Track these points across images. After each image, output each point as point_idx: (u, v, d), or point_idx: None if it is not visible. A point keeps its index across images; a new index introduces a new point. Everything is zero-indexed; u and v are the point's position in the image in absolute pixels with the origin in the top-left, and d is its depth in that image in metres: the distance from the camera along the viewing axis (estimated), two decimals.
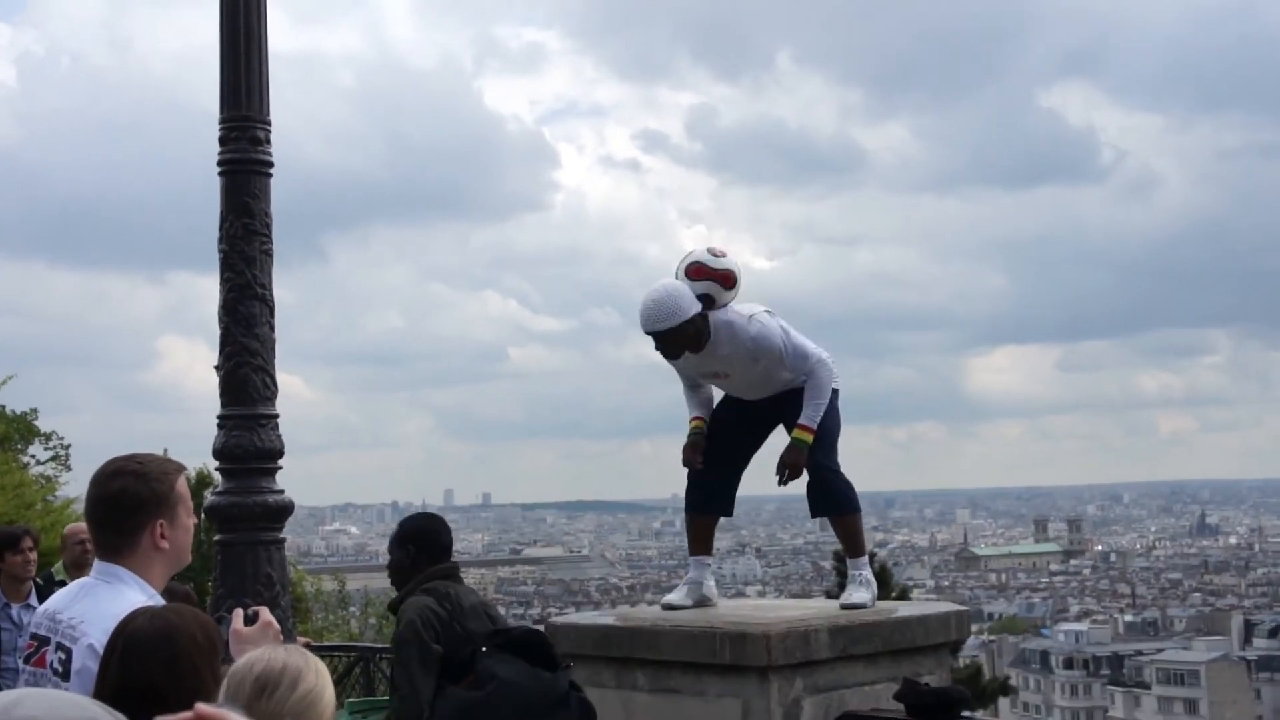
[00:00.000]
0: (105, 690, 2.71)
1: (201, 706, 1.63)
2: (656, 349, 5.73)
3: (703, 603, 5.95)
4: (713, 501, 6.13)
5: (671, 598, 5.99)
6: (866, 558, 6.15)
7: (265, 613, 3.27)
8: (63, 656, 3.19)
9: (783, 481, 5.83)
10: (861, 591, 5.85)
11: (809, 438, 5.74)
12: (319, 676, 2.41)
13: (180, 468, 3.46)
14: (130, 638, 2.75)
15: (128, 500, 3.32)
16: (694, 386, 6.12)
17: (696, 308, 5.64)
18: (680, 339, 5.68)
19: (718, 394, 6.13)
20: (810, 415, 5.76)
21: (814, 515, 6.12)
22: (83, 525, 8.17)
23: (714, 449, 6.00)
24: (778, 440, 5.98)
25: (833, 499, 5.93)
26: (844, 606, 5.75)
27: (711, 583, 6.11)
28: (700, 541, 6.18)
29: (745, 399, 6.01)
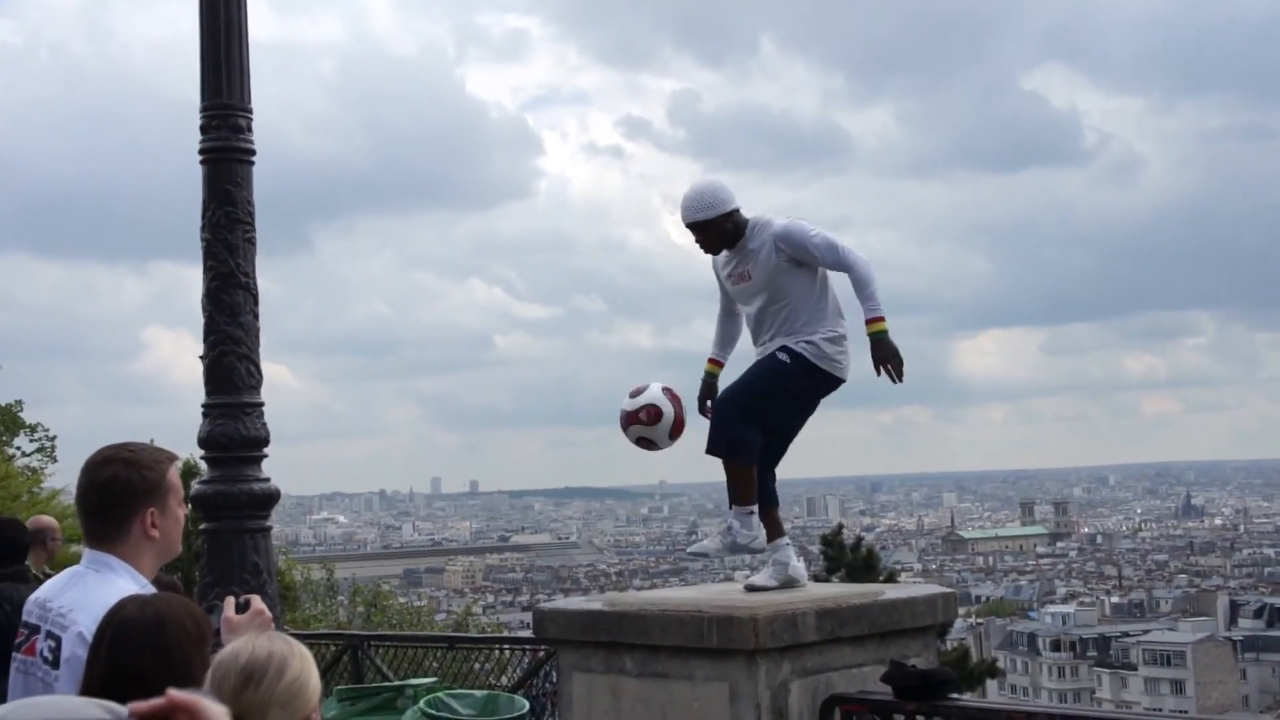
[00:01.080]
0: (94, 678, 2.71)
1: (174, 692, 1.62)
2: (696, 242, 5.81)
3: (790, 584, 5.77)
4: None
5: (756, 580, 5.78)
6: (786, 540, 5.86)
7: (257, 600, 3.27)
8: (52, 645, 3.19)
9: (896, 377, 5.61)
10: (766, 573, 5.76)
11: (884, 325, 5.57)
12: (304, 663, 2.41)
13: (172, 457, 3.45)
14: (119, 625, 2.74)
15: (118, 488, 3.31)
16: (728, 313, 6.06)
17: (736, 203, 5.70)
18: (719, 233, 5.73)
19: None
20: (871, 306, 5.59)
21: (708, 452, 5.80)
22: (45, 518, 8.16)
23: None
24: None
25: (722, 441, 5.71)
26: (748, 588, 5.71)
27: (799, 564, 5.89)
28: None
29: (752, 310, 5.82)
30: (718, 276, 6.01)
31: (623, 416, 5.82)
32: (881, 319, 5.60)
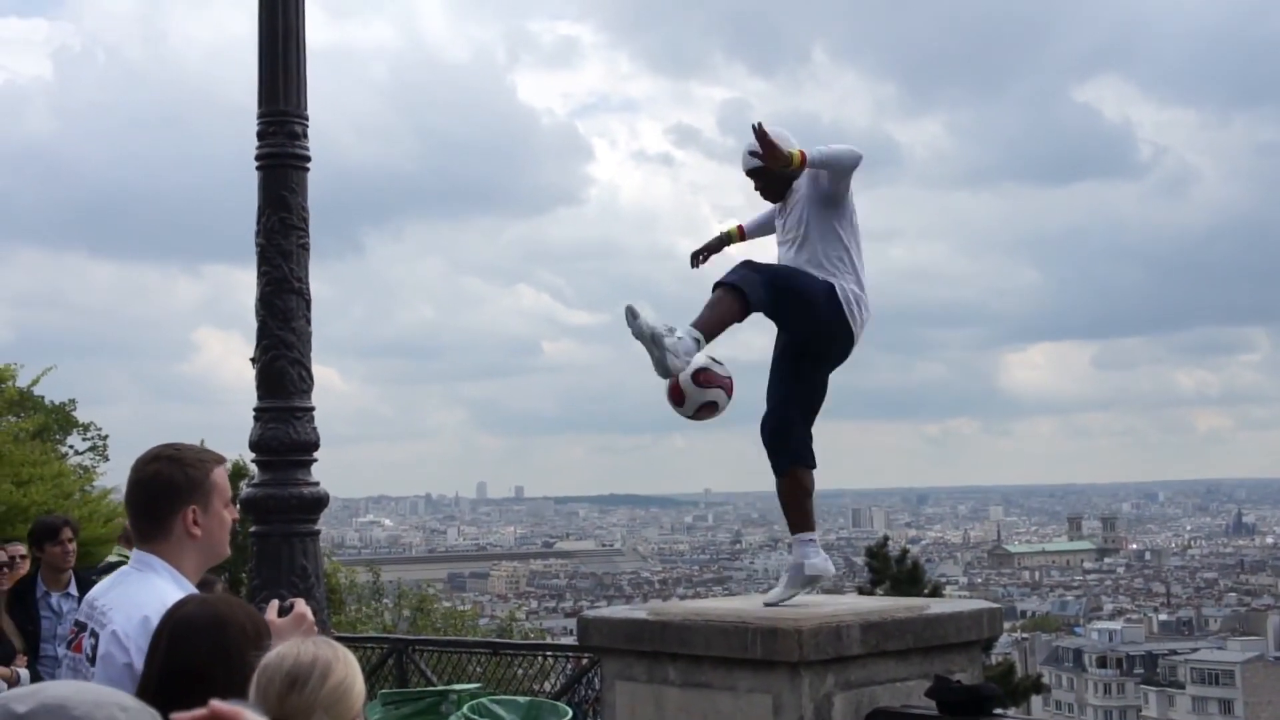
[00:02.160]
0: (152, 673, 2.76)
1: (216, 703, 1.65)
2: (757, 189, 5.84)
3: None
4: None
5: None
6: (814, 535, 5.83)
7: (300, 604, 3.29)
8: (93, 642, 3.25)
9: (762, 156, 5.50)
10: (782, 583, 5.78)
11: (799, 155, 5.44)
12: (349, 667, 2.42)
13: (219, 459, 3.49)
14: (180, 622, 2.79)
15: (160, 484, 3.36)
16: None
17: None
18: (780, 177, 5.73)
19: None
20: (817, 150, 5.50)
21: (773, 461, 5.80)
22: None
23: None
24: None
25: (786, 449, 5.73)
26: (766, 604, 5.70)
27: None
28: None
29: (787, 238, 5.78)
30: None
31: (703, 376, 5.52)
32: (805, 154, 5.46)
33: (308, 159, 7.03)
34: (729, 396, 5.55)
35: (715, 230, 6.25)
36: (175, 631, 2.76)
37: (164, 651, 2.75)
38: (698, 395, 5.51)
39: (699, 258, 6.12)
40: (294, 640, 2.46)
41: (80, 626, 3.37)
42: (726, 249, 6.23)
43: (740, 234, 6.15)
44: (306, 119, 7.03)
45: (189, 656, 2.69)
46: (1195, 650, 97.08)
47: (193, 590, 3.35)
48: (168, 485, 3.36)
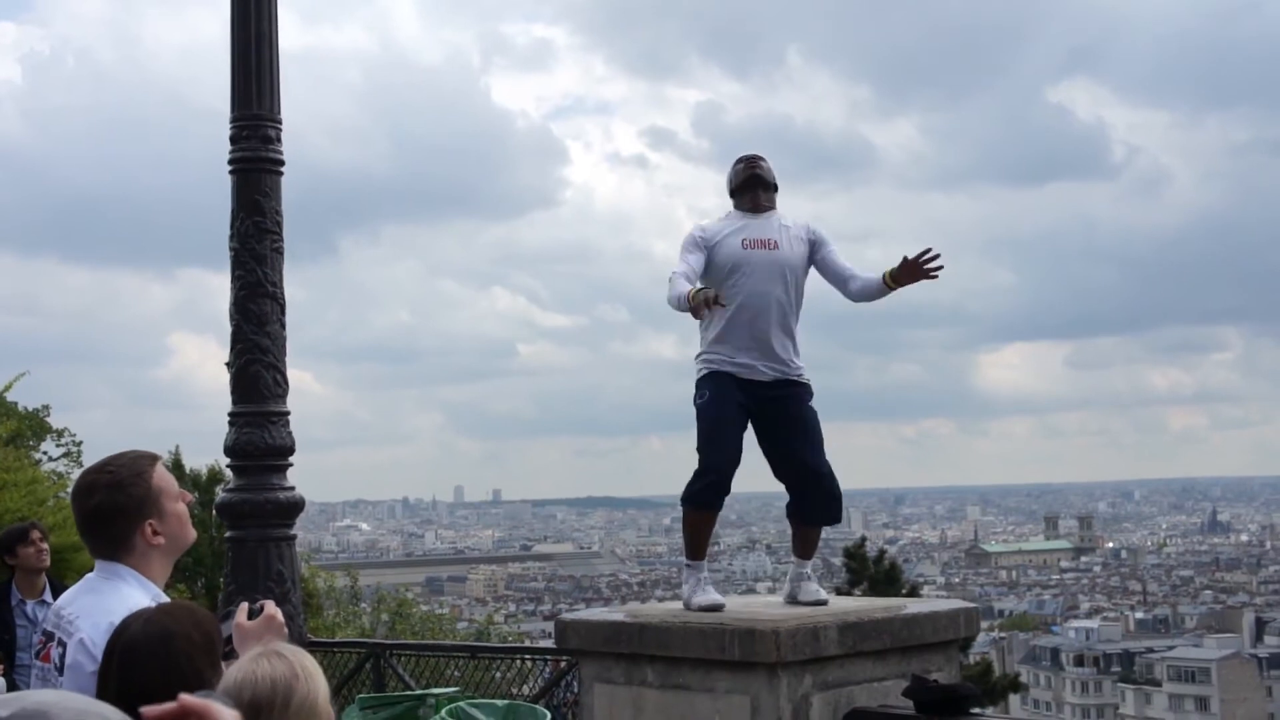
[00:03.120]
0: (108, 697, 2.73)
1: (185, 697, 1.64)
2: (760, 170, 5.96)
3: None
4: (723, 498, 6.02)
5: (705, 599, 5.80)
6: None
7: (270, 606, 3.27)
8: (61, 651, 3.23)
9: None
10: (819, 588, 5.89)
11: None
12: (310, 680, 2.36)
13: (153, 459, 3.44)
14: (126, 645, 2.75)
15: (108, 514, 3.32)
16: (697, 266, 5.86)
17: None
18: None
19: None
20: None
21: (825, 522, 6.01)
22: None
23: (734, 441, 5.83)
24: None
25: (838, 504, 5.97)
26: (807, 602, 5.76)
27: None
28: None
29: (769, 290, 5.80)
30: (703, 241, 5.85)
31: None
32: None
33: (281, 163, 7.01)
34: None
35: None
36: (123, 656, 2.73)
37: (115, 678, 2.72)
38: None
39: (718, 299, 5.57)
40: (251, 658, 2.42)
41: (48, 636, 3.35)
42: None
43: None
44: (280, 123, 7.02)
45: (139, 678, 2.66)
46: (1172, 648, 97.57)
47: (160, 594, 3.34)
48: (117, 512, 3.32)
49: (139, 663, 2.69)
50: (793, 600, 5.85)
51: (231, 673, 2.38)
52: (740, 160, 6.06)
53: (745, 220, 5.91)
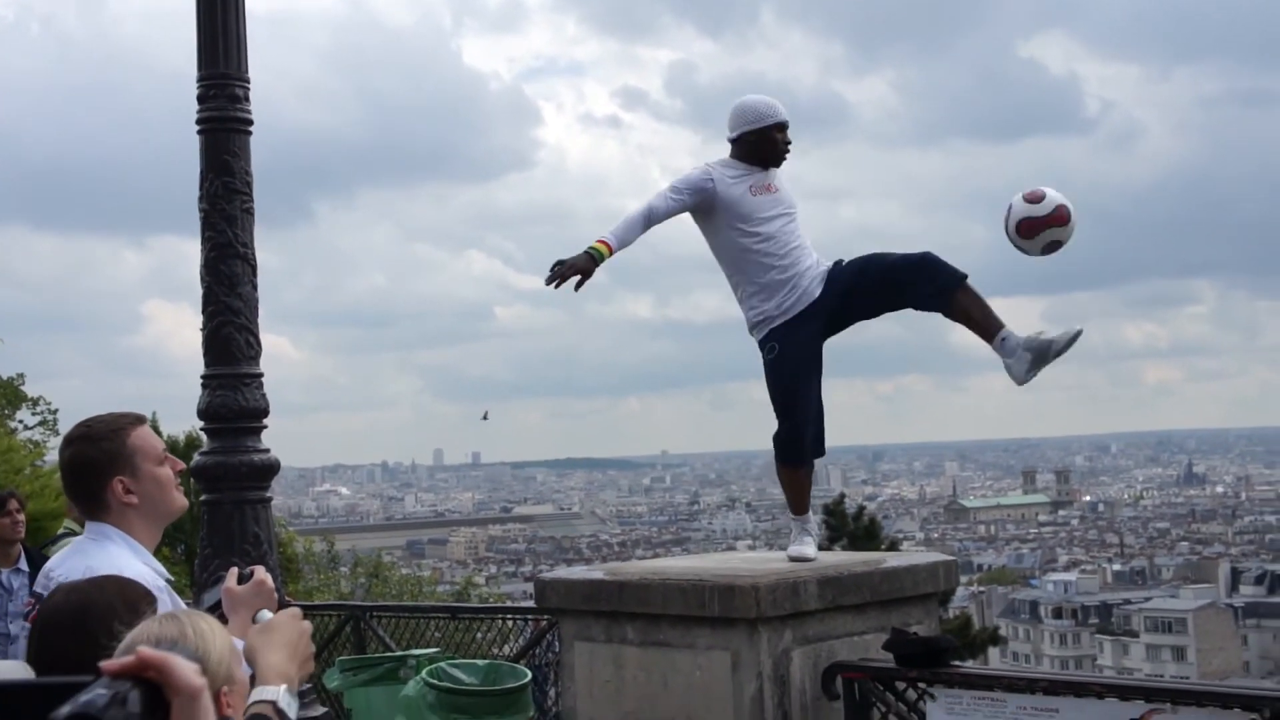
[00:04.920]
0: (31, 664, 2.70)
1: (143, 649, 1.61)
2: (787, 143, 5.89)
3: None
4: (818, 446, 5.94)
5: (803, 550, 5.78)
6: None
7: (260, 571, 3.24)
8: None
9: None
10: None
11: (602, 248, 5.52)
12: (200, 639, 2.29)
13: (136, 419, 3.45)
14: (45, 615, 2.74)
15: (80, 466, 3.37)
16: (663, 217, 5.77)
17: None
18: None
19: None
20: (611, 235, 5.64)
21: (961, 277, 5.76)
22: None
23: (810, 392, 5.77)
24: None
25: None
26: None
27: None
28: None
29: (774, 227, 5.79)
30: (711, 186, 5.74)
31: (1025, 224, 5.54)
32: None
33: (250, 122, 6.92)
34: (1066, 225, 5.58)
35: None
36: (43, 625, 2.72)
37: (35, 646, 2.71)
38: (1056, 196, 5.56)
39: (576, 284, 5.51)
40: (146, 622, 2.38)
41: (37, 598, 3.35)
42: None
43: (609, 250, 5.60)
44: (248, 82, 6.92)
45: (56, 646, 2.64)
46: (1148, 599, 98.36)
47: (150, 558, 3.36)
48: (88, 465, 3.36)
49: (55, 632, 2.66)
50: None
51: (129, 634, 2.33)
52: (779, 124, 5.88)
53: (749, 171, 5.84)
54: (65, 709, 1.47)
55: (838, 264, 5.84)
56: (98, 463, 3.35)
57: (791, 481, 5.89)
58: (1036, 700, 4.58)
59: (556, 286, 5.47)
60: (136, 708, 1.54)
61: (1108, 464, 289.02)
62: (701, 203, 5.76)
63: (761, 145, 5.84)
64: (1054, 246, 5.59)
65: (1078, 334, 5.54)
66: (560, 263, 5.47)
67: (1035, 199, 5.55)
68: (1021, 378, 5.54)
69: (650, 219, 5.70)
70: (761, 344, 5.76)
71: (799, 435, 5.73)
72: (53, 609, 2.74)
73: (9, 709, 1.55)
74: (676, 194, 5.74)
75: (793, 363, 5.70)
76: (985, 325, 5.61)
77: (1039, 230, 5.53)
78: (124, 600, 2.70)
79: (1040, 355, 5.49)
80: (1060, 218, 5.52)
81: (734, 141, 5.89)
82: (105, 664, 1.58)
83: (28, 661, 2.73)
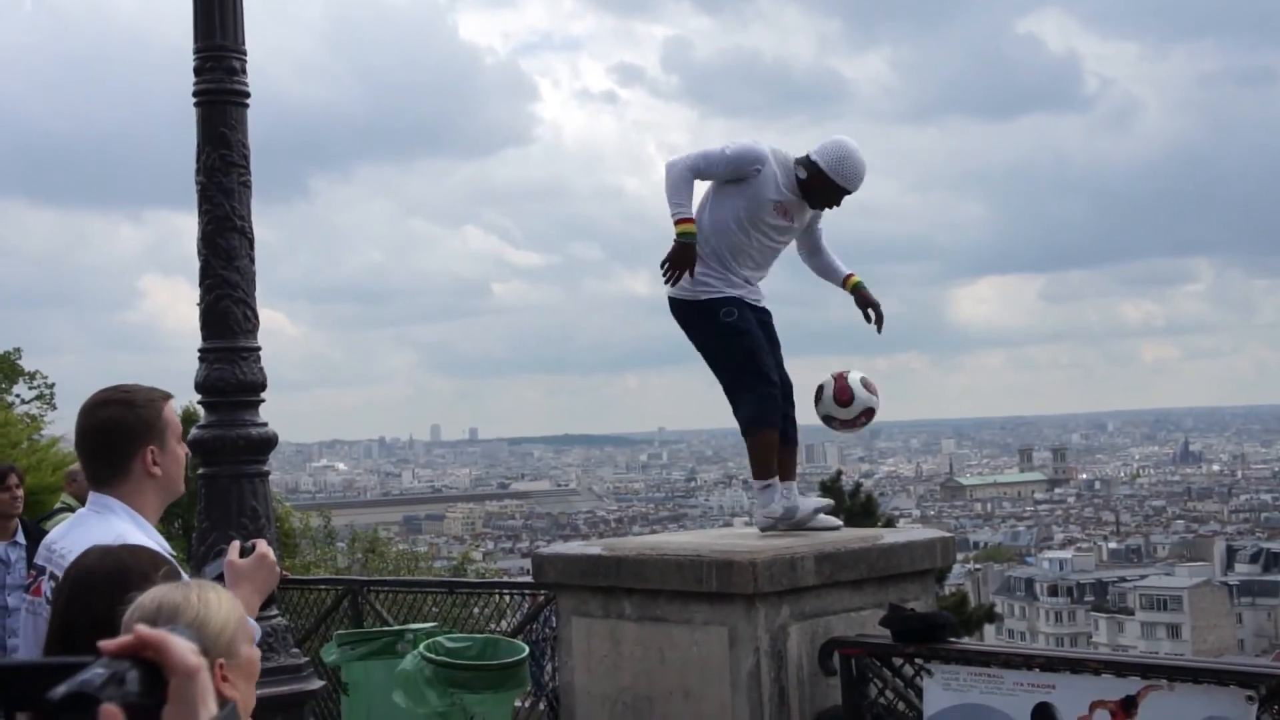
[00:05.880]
0: (55, 624, 2.70)
1: (141, 628, 1.60)
2: (840, 200, 5.92)
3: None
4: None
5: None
6: (775, 482, 5.90)
7: (262, 544, 3.23)
8: (54, 585, 3.22)
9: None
10: (772, 506, 5.85)
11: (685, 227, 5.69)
12: (203, 606, 2.29)
13: (168, 395, 3.46)
14: (80, 573, 2.72)
15: (116, 429, 3.34)
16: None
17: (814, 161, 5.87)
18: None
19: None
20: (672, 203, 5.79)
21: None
22: None
23: (772, 353, 5.91)
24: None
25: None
26: (756, 521, 5.88)
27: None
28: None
29: (763, 261, 5.94)
30: (758, 174, 5.74)
31: (840, 426, 5.95)
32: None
33: (247, 94, 6.88)
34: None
35: (663, 172, 5.97)
36: (75, 582, 2.70)
37: (64, 602, 2.70)
38: (865, 399, 5.93)
39: (691, 273, 5.73)
40: (156, 589, 2.38)
41: (39, 570, 3.35)
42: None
43: (693, 223, 5.76)
44: (244, 54, 6.87)
45: (88, 607, 2.62)
46: (1144, 577, 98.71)
47: (154, 531, 3.34)
48: (124, 428, 3.33)
49: (91, 591, 2.65)
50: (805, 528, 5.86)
51: (136, 600, 2.33)
52: (849, 192, 5.89)
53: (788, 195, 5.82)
54: (62, 688, 1.46)
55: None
56: (134, 428, 3.33)
57: (769, 444, 5.87)
58: (1033, 676, 4.59)
59: (675, 283, 5.73)
60: (135, 687, 1.53)
61: (1104, 442, 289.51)
62: (736, 176, 5.77)
63: (822, 191, 5.85)
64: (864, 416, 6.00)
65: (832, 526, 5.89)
66: (666, 262, 5.69)
67: (844, 401, 5.88)
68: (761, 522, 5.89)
69: (695, 178, 5.81)
70: (717, 305, 5.76)
71: (772, 392, 5.78)
72: (86, 569, 2.72)
73: (8, 688, 1.55)
74: (723, 166, 5.76)
75: (751, 324, 5.81)
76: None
77: (849, 429, 6.00)
78: (155, 568, 2.71)
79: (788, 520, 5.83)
80: (867, 419, 5.99)
81: (810, 164, 5.80)
82: (103, 643, 1.57)
83: (54, 621, 2.73)
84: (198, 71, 6.82)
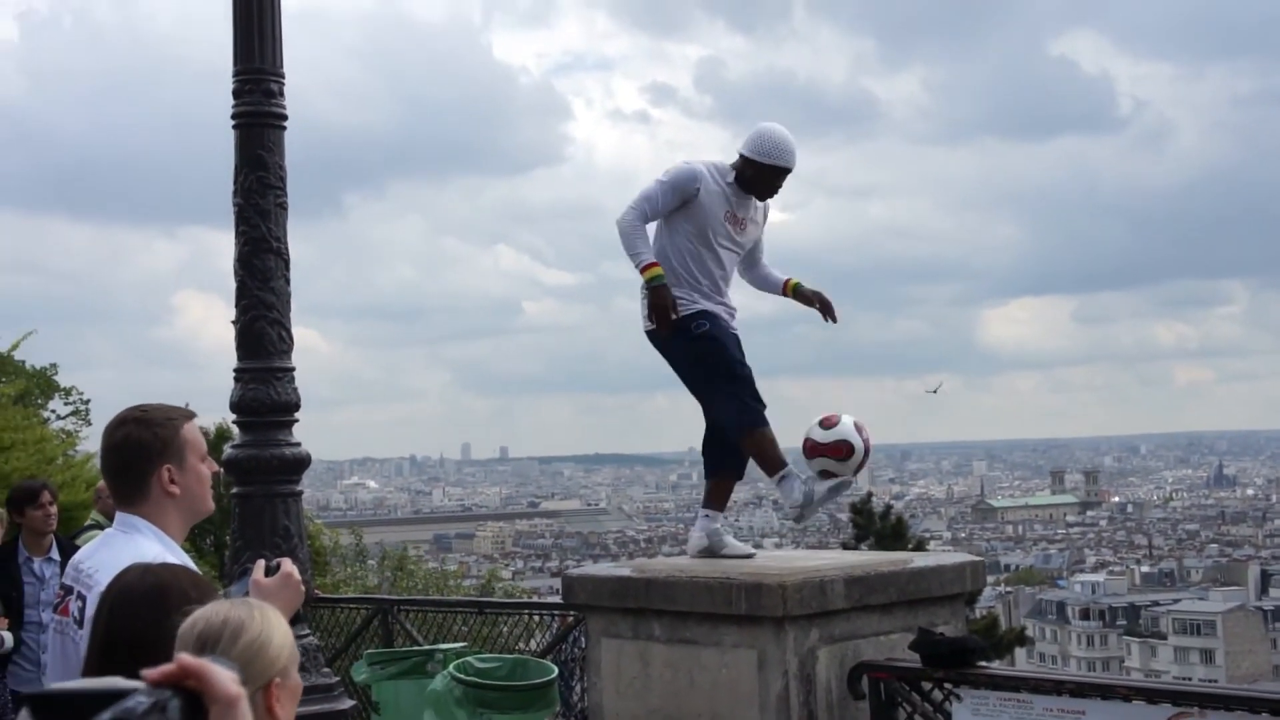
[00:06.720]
0: (96, 643, 2.72)
1: (184, 657, 1.64)
2: (782, 179, 5.95)
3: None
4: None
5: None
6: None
7: (287, 563, 3.26)
8: (81, 605, 3.24)
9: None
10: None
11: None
12: (266, 626, 2.34)
13: (189, 414, 3.47)
14: (120, 591, 2.74)
15: (132, 447, 3.36)
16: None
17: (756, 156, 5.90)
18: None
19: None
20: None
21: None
22: None
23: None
24: None
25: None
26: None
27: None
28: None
29: (727, 273, 6.00)
30: (696, 191, 5.82)
31: (808, 445, 5.74)
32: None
33: (284, 117, 6.96)
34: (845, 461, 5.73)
35: None
36: (116, 601, 2.73)
37: (105, 621, 2.72)
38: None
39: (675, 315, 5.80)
40: (214, 603, 2.41)
41: (67, 590, 3.37)
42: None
43: (660, 268, 5.87)
44: (282, 77, 6.95)
45: (129, 624, 2.65)
46: (1177, 601, 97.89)
47: (179, 551, 3.35)
48: (139, 447, 3.35)
49: (131, 609, 2.67)
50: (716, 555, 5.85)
51: (193, 614, 2.36)
52: (784, 170, 5.93)
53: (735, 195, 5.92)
54: (106, 715, 1.49)
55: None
56: (150, 447, 3.35)
57: (766, 440, 5.86)
58: (1063, 702, 4.57)
59: (667, 325, 5.75)
60: (175, 715, 1.56)
61: (1137, 465, 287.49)
62: (681, 200, 5.85)
63: (759, 179, 5.90)
64: (827, 476, 5.70)
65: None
66: (652, 313, 5.76)
67: (827, 424, 5.71)
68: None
69: (646, 222, 5.91)
70: (689, 320, 5.79)
71: (752, 392, 5.82)
72: (127, 587, 2.75)
73: (52, 715, 1.57)
74: (665, 199, 5.84)
75: (724, 332, 5.86)
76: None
77: (813, 455, 5.71)
78: (196, 588, 2.74)
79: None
80: (838, 451, 5.67)
81: (741, 159, 5.91)
82: (146, 672, 1.60)
83: (94, 639, 2.75)
84: (236, 94, 6.89)
